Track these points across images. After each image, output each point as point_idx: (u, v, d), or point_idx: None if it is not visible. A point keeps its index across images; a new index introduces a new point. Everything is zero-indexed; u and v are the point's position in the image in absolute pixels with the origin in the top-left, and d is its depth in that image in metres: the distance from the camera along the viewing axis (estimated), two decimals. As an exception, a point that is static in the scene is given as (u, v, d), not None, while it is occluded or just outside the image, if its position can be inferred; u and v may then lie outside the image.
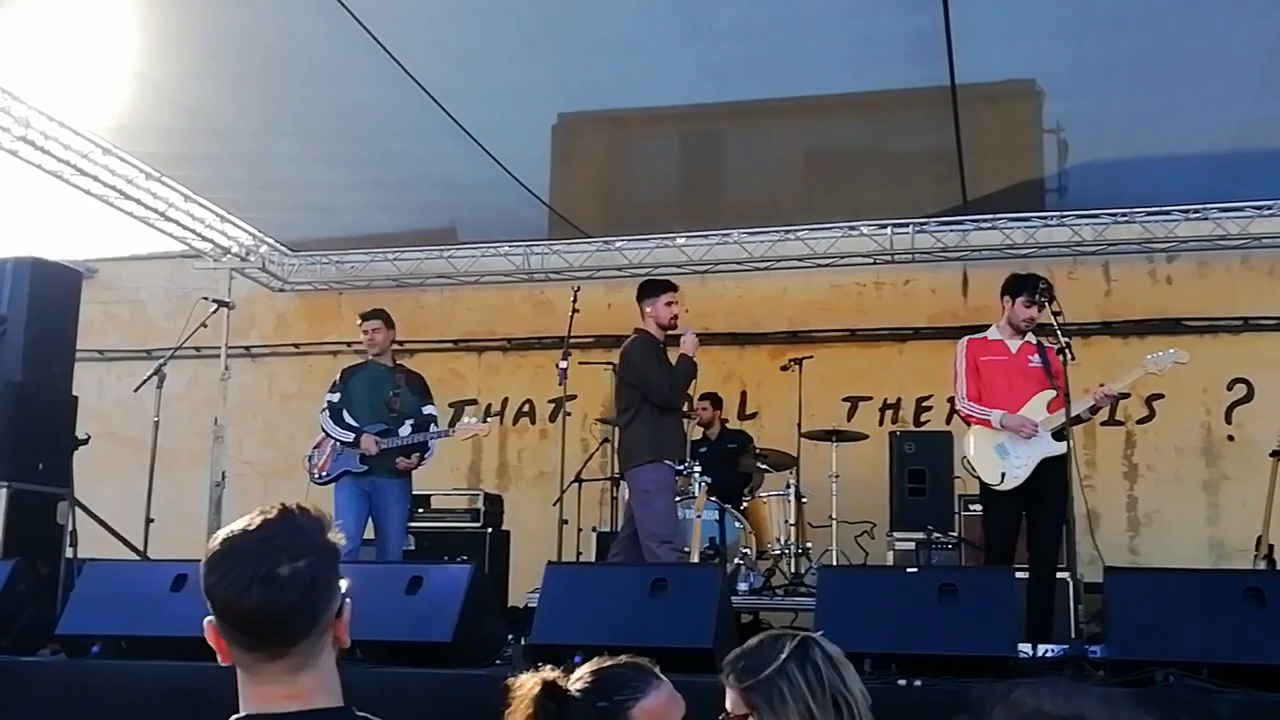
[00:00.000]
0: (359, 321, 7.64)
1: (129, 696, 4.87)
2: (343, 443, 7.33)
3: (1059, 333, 6.22)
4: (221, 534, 1.77)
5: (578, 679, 2.36)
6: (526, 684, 2.32)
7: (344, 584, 1.81)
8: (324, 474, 7.37)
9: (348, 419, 7.38)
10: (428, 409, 7.54)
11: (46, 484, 6.94)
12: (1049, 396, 6.30)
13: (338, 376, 7.67)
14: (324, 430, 7.44)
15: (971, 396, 6.44)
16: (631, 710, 2.35)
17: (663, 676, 2.40)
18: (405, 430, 7.35)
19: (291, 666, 1.74)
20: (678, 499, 8.14)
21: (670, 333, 6.92)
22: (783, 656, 2.38)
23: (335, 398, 7.50)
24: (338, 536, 1.80)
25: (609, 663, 2.43)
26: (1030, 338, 6.49)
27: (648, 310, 6.96)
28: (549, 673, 2.34)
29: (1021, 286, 6.45)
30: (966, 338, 6.70)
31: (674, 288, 7.08)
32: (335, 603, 1.78)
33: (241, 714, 1.77)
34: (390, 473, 7.31)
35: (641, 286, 7.19)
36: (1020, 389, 6.37)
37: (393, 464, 7.31)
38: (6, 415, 6.87)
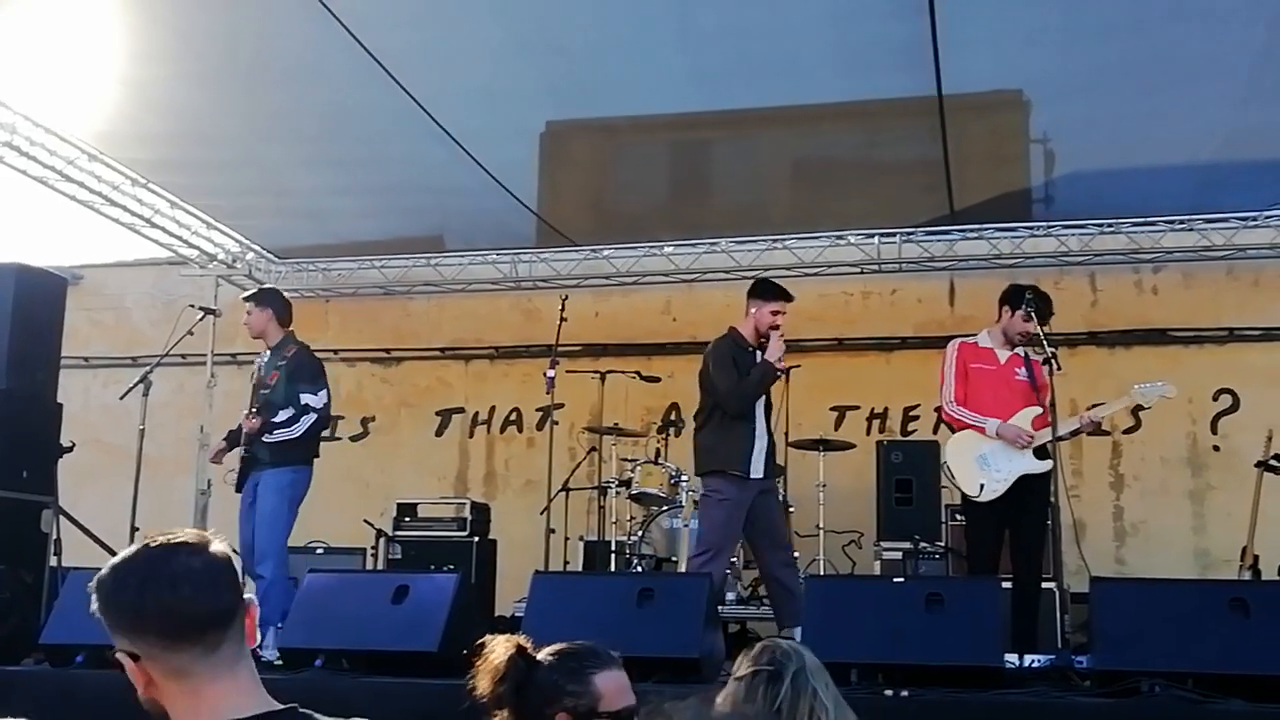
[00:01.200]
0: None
1: (113, 706, 4.80)
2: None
3: (1045, 343, 6.25)
4: (111, 562, 1.83)
5: (546, 651, 2.44)
6: (499, 645, 2.39)
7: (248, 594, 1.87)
8: (237, 476, 6.98)
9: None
10: (306, 397, 6.85)
11: (30, 492, 6.91)
12: (1035, 413, 6.31)
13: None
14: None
15: (959, 401, 6.44)
16: (594, 677, 2.42)
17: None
18: (278, 417, 6.82)
19: (229, 659, 1.77)
20: (664, 509, 8.18)
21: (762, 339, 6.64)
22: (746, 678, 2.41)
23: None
24: (221, 545, 1.84)
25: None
26: (1019, 350, 6.50)
27: (751, 310, 6.69)
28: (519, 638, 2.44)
29: (1021, 299, 6.44)
30: (957, 340, 6.71)
31: (788, 299, 6.70)
32: (243, 597, 1.84)
33: None
34: (263, 462, 6.82)
35: (755, 284, 6.91)
36: (1005, 401, 6.36)
37: (265, 449, 6.80)
38: (-10, 422, 6.84)
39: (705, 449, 6.59)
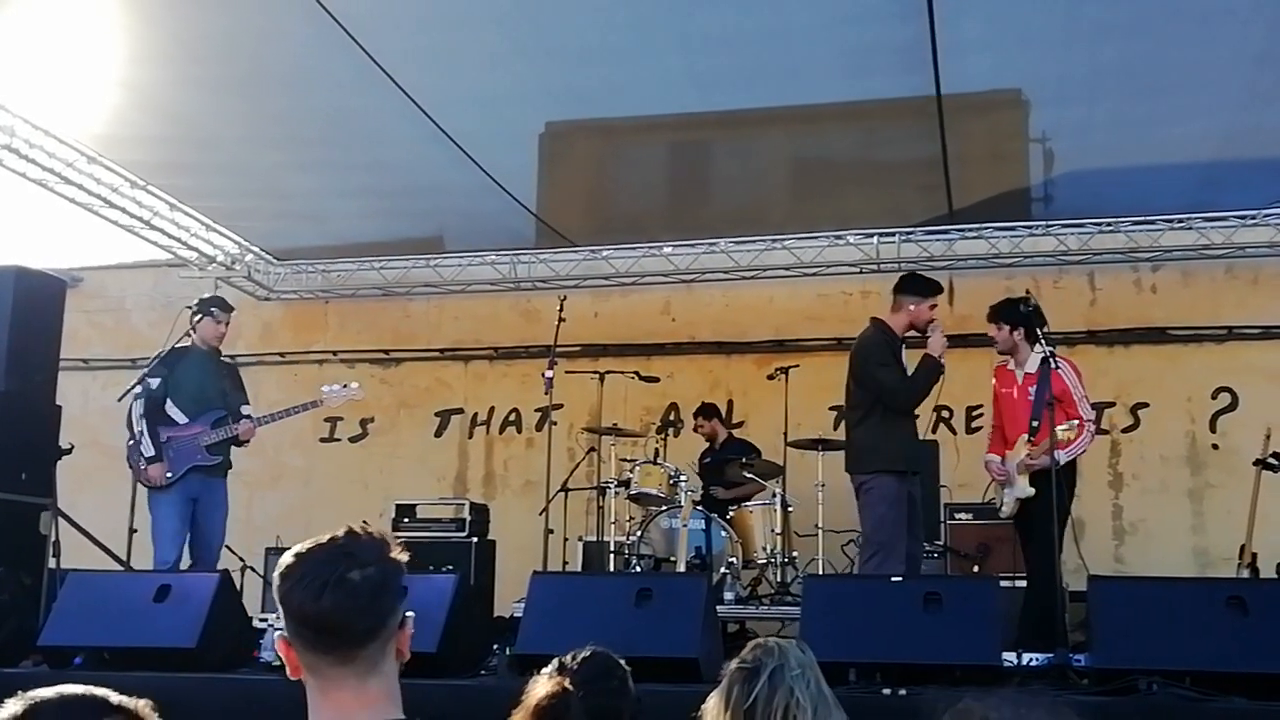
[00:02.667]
0: (215, 311, 7.30)
1: (111, 708, 4.83)
2: (179, 432, 6.99)
3: (1043, 342, 6.28)
4: (294, 549, 1.90)
5: (574, 672, 2.42)
6: (540, 684, 2.38)
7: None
8: (169, 474, 6.91)
9: (171, 409, 7.03)
10: (246, 409, 7.23)
11: (29, 494, 6.90)
12: (1024, 439, 6.49)
13: (158, 361, 7.14)
14: (135, 424, 6.99)
15: (994, 426, 6.94)
16: (629, 683, 2.43)
17: None
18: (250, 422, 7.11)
19: (361, 672, 1.85)
20: (664, 509, 8.18)
21: (912, 334, 6.70)
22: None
23: (155, 383, 7.03)
24: (402, 554, 1.92)
25: (584, 654, 2.48)
26: (1032, 366, 6.51)
27: (909, 306, 6.68)
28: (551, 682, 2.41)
29: (913, 286, 6.71)
30: (997, 364, 6.89)
31: (941, 292, 6.86)
32: (400, 612, 1.90)
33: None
34: (223, 471, 7.10)
35: (909, 279, 6.92)
36: (1018, 424, 6.56)
37: (227, 460, 7.09)
38: (-11, 424, 6.84)
39: (868, 447, 6.56)
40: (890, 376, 6.55)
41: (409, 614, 1.92)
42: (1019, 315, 6.62)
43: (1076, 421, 6.38)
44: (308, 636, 1.84)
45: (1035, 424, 6.31)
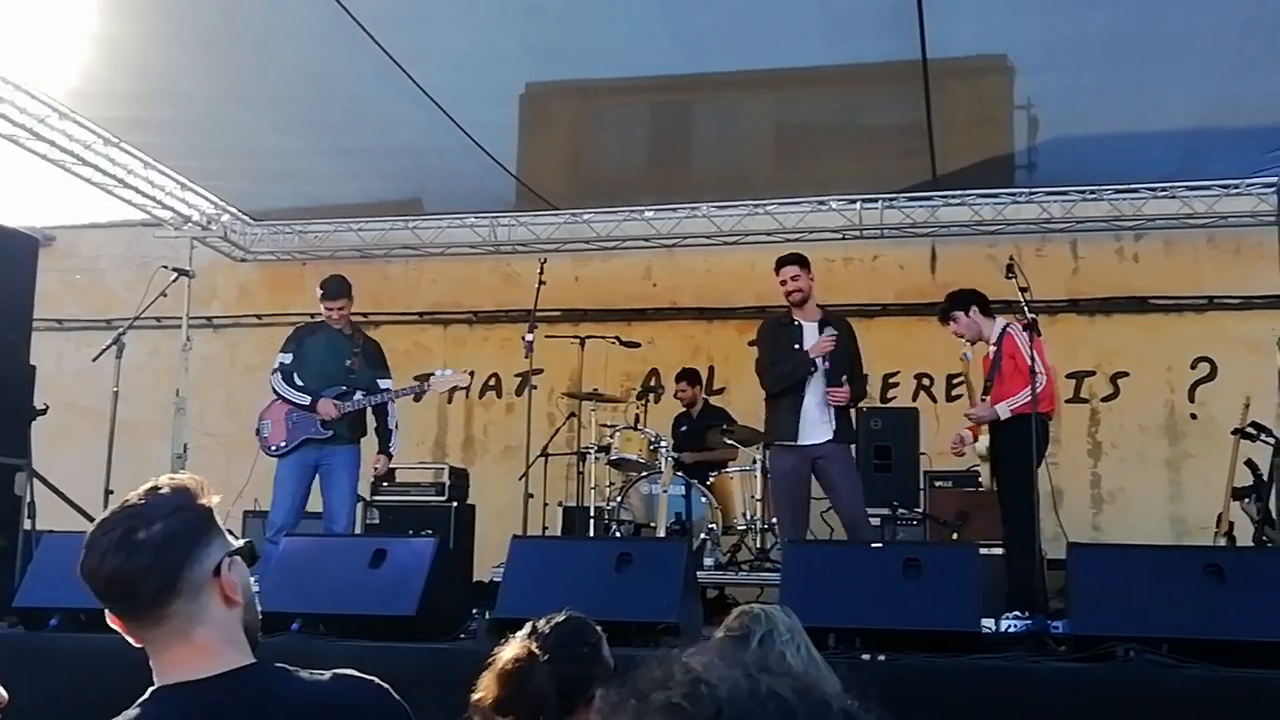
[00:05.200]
0: (320, 295, 7.38)
1: (87, 669, 4.80)
2: (296, 406, 7.13)
3: (1026, 309, 6.27)
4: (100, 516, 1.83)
5: (532, 643, 2.39)
6: (508, 648, 2.36)
7: (235, 543, 1.85)
8: (283, 444, 7.13)
9: (297, 382, 7.19)
10: (384, 383, 7.36)
11: (4, 455, 6.83)
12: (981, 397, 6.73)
13: (290, 336, 7.45)
14: (276, 392, 7.23)
15: None
16: (602, 648, 2.40)
17: None
18: (358, 397, 7.18)
19: (180, 628, 1.78)
20: (644, 474, 8.17)
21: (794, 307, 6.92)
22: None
23: (287, 359, 7.28)
24: (210, 499, 1.84)
25: (557, 619, 2.46)
26: (994, 335, 6.69)
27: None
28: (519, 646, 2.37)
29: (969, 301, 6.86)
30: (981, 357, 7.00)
31: (790, 261, 7.02)
32: (206, 561, 1.80)
33: (155, 686, 1.80)
34: (343, 440, 7.15)
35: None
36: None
37: (347, 431, 7.16)
38: (-39, 384, 6.76)
39: (764, 422, 7.08)
40: (760, 358, 6.92)
41: (230, 557, 1.82)
42: (961, 298, 6.80)
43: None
44: (110, 605, 1.78)
45: (988, 383, 6.55)
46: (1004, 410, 6.37)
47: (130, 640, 1.82)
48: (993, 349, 6.71)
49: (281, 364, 7.27)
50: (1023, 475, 6.07)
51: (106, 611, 1.81)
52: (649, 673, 0.89)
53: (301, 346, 7.31)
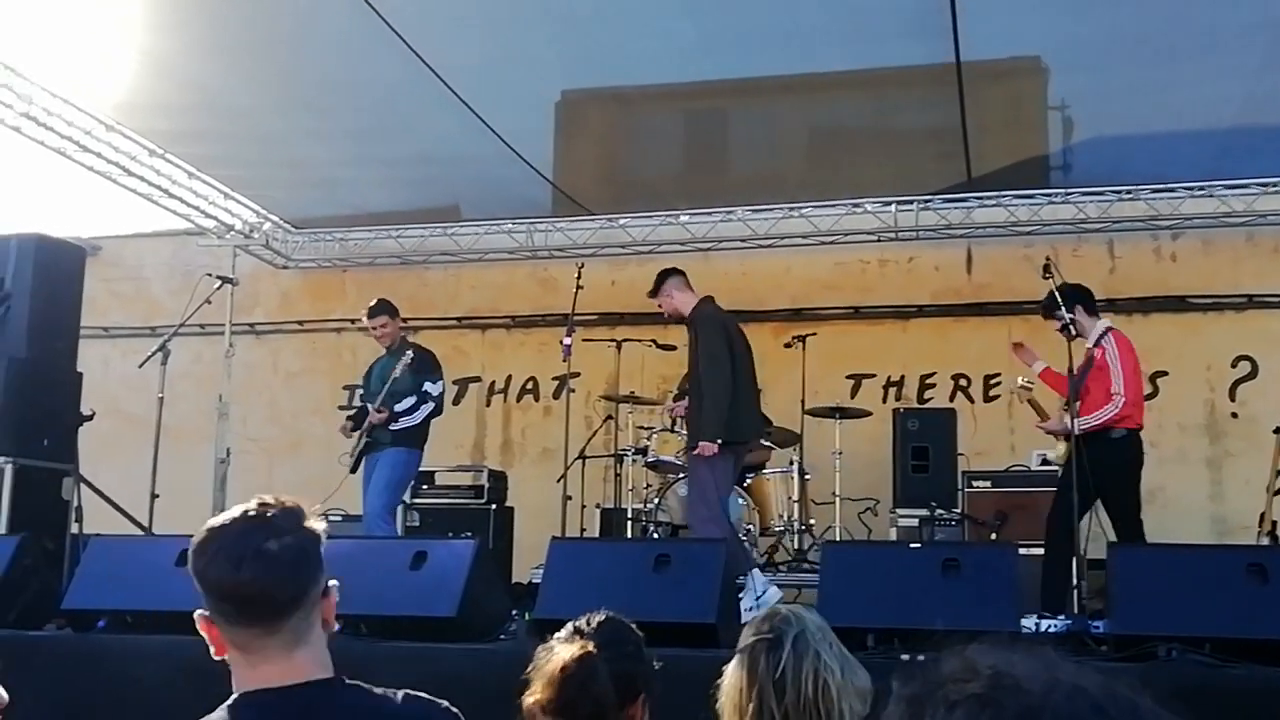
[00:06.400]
0: (365, 320, 7.96)
1: (134, 671, 4.90)
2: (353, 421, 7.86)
3: (1063, 310, 6.27)
4: (208, 524, 1.88)
5: (593, 636, 2.40)
6: (562, 648, 2.37)
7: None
8: (352, 460, 7.78)
9: (369, 411, 7.80)
10: (427, 385, 7.74)
11: (51, 460, 6.95)
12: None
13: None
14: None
15: None
16: (644, 649, 2.42)
17: None
18: (401, 405, 7.68)
19: (288, 642, 1.84)
20: (681, 476, 8.21)
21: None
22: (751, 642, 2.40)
23: (358, 394, 8.18)
24: (318, 523, 1.90)
25: (598, 619, 2.47)
26: (1093, 338, 6.60)
27: None
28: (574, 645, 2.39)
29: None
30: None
31: (667, 277, 7.16)
32: (322, 580, 1.89)
33: (241, 690, 1.86)
34: (384, 444, 7.68)
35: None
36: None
37: (386, 433, 7.64)
38: (11, 391, 6.88)
39: None
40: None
41: (333, 582, 1.91)
42: (1071, 293, 6.60)
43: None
44: (229, 611, 1.83)
45: (1077, 389, 6.36)
46: (1079, 426, 6.25)
47: (217, 649, 1.87)
48: (1090, 350, 6.58)
49: (356, 406, 8.21)
50: (1130, 491, 6.22)
51: (201, 616, 1.86)
52: (944, 666, 0.91)
53: (367, 378, 8.06)
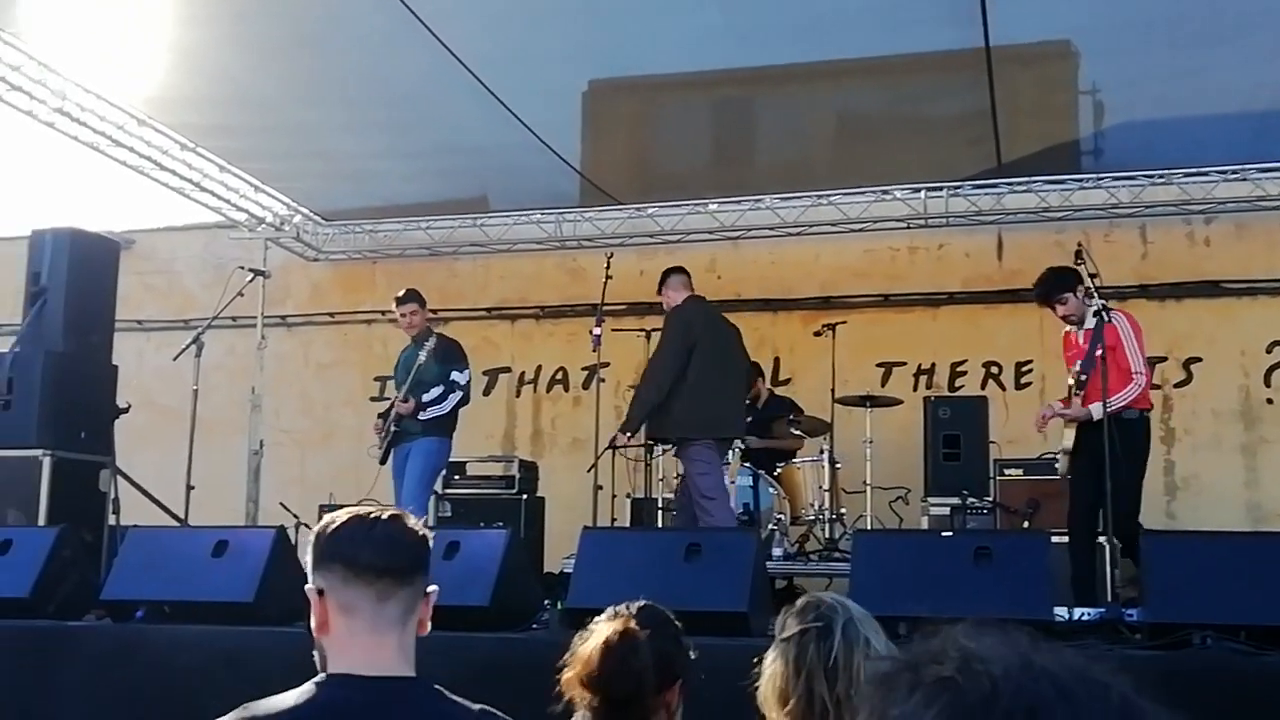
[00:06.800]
0: (394, 307, 8.06)
1: (173, 660, 4.95)
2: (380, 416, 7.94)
3: (1096, 295, 6.21)
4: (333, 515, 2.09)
5: (636, 617, 2.43)
6: (602, 626, 2.40)
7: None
8: (381, 452, 7.91)
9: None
10: (455, 375, 7.88)
11: (88, 452, 7.04)
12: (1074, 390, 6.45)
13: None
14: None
15: None
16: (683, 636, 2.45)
17: None
18: (429, 395, 7.82)
19: (393, 618, 1.98)
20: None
21: None
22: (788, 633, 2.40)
23: (393, 386, 8.21)
24: (418, 526, 2.10)
25: (638, 604, 2.49)
26: (1090, 321, 6.40)
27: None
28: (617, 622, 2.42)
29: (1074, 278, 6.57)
30: (1063, 334, 6.81)
31: (669, 275, 7.45)
32: (429, 575, 2.07)
33: (330, 671, 1.97)
34: (413, 434, 7.80)
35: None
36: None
37: (416, 424, 7.76)
38: (48, 385, 6.96)
39: None
40: None
41: (432, 587, 2.06)
42: (1065, 276, 6.52)
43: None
44: (358, 566, 1.97)
45: (1083, 377, 6.25)
46: (1097, 411, 6.13)
47: (320, 625, 2.00)
48: (1083, 331, 6.46)
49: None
50: (1139, 475, 6.07)
51: (312, 589, 2.01)
52: (923, 646, 0.90)
53: (396, 372, 8.18)
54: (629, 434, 7.19)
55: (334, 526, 2.04)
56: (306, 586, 2.03)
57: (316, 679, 1.97)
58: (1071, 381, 6.43)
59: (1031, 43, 7.30)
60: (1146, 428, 6.47)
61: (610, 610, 2.52)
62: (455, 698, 2.01)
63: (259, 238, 10.38)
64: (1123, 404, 6.22)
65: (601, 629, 2.42)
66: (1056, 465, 6.70)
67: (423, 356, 7.71)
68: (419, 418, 7.75)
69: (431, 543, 2.10)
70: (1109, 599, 5.91)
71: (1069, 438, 6.41)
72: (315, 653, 2.04)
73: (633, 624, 2.41)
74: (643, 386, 7.16)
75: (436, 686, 2.01)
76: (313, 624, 2.01)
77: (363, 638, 1.97)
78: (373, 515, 2.05)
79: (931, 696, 0.84)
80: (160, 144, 8.99)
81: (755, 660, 2.46)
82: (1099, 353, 6.12)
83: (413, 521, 2.07)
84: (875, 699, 0.88)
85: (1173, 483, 9.22)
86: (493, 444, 10.44)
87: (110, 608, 5.53)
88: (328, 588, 2.00)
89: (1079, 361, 6.34)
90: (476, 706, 2.01)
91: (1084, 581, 6.14)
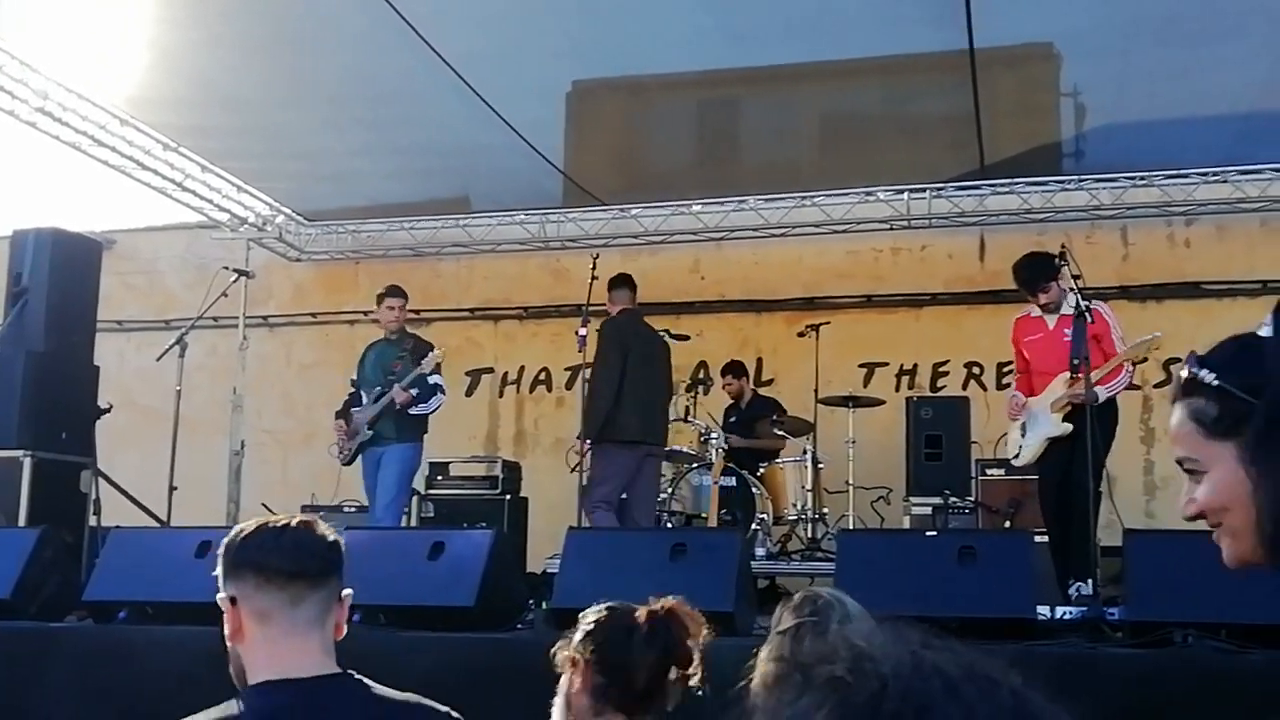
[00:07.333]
0: (381, 298, 7.88)
1: (155, 661, 4.93)
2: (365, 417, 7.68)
3: (1078, 296, 6.25)
4: (241, 525, 2.12)
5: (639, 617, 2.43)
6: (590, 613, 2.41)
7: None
8: (347, 453, 7.71)
9: (364, 399, 7.72)
10: (435, 377, 7.71)
11: (69, 453, 7.01)
12: (1065, 377, 6.38)
13: (356, 364, 8.05)
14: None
15: (1019, 373, 6.80)
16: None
17: None
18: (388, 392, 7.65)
19: (309, 619, 2.00)
20: (694, 466, 8.23)
21: None
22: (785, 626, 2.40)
23: (351, 383, 7.94)
24: (328, 531, 2.13)
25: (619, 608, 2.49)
26: (1068, 309, 6.45)
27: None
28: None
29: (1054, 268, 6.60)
30: (1017, 317, 6.82)
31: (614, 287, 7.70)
32: (343, 578, 2.09)
33: (253, 681, 1.98)
34: (387, 438, 7.61)
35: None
36: (1053, 367, 6.49)
37: (390, 427, 7.58)
38: (29, 385, 6.93)
39: None
40: None
41: (347, 591, 2.10)
42: (1052, 265, 6.55)
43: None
44: (269, 571, 2.00)
45: (1077, 361, 6.27)
46: (1104, 394, 6.24)
47: (233, 633, 2.01)
48: (1057, 319, 6.50)
49: (350, 393, 7.93)
50: (1100, 460, 6.13)
51: (224, 597, 2.01)
52: (811, 646, 0.90)
53: (362, 367, 7.94)
54: (587, 441, 7.36)
55: (243, 535, 2.06)
56: (218, 596, 2.04)
57: (242, 691, 2.00)
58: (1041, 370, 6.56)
59: (1015, 45, 7.34)
60: (1116, 412, 6.59)
61: (601, 606, 2.53)
62: (382, 688, 2.05)
63: (241, 238, 10.35)
64: (1118, 390, 6.37)
65: (599, 610, 2.45)
66: (1016, 457, 6.71)
67: (402, 354, 7.63)
68: (410, 412, 7.60)
69: (344, 547, 2.11)
70: (1091, 595, 5.94)
71: (1055, 421, 6.39)
72: (230, 665, 2.05)
73: (630, 606, 2.43)
74: (595, 397, 7.35)
75: (359, 677, 2.05)
76: (226, 632, 2.02)
77: (281, 643, 1.99)
78: (281, 522, 2.07)
79: (821, 697, 0.83)
80: (142, 144, 8.95)
81: (753, 651, 2.46)
82: (1083, 340, 6.18)
83: (323, 527, 2.09)
84: (767, 700, 0.87)
85: (1152, 482, 9.26)
86: (476, 444, 10.43)
87: (92, 609, 5.50)
88: (240, 595, 2.01)
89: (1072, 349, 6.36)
90: (405, 696, 2.07)
91: (1060, 552, 6.22)
